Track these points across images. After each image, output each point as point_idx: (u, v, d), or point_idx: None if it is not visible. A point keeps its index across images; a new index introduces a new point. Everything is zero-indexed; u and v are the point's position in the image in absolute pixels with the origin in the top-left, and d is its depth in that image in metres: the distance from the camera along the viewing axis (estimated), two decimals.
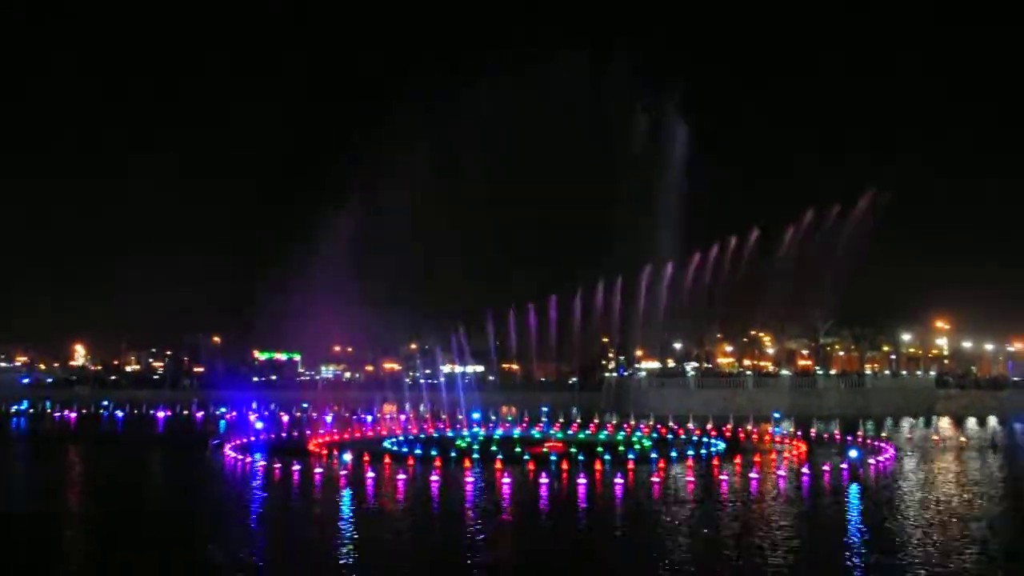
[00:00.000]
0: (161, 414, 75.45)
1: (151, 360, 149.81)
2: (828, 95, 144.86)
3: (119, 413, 76.67)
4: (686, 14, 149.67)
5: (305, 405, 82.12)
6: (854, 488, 31.18)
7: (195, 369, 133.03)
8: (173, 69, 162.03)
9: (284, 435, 51.71)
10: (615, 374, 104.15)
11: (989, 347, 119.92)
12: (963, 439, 51.97)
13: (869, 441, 46.74)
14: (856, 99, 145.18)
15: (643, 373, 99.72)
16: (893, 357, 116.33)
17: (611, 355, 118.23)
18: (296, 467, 34.66)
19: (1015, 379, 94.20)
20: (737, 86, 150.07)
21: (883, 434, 53.10)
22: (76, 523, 26.06)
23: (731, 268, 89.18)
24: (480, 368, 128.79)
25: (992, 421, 69.33)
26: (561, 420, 62.17)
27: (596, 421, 61.67)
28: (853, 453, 38.17)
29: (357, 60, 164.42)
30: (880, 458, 38.65)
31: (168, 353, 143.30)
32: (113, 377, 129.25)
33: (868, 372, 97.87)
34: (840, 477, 33.50)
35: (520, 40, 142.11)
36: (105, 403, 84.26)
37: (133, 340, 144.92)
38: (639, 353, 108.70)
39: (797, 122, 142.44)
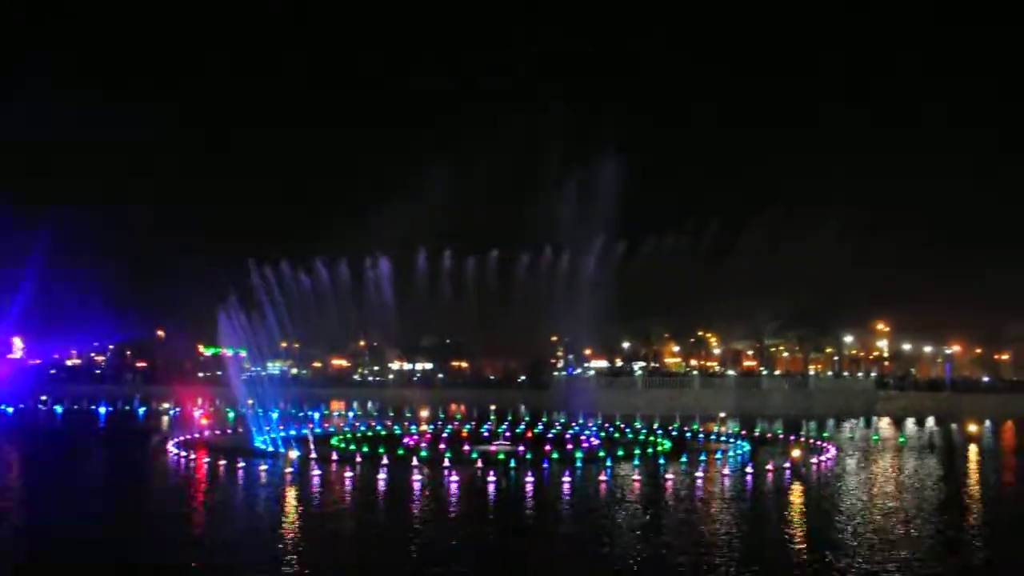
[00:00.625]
0: (103, 409, 73.89)
1: (92, 354, 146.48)
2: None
3: (58, 408, 74.88)
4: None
5: (250, 401, 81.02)
6: (796, 487, 31.79)
7: (138, 364, 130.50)
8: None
9: (229, 432, 50.99)
10: (564, 373, 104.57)
11: (928, 349, 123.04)
12: (901, 439, 53.22)
13: (812, 441, 47.63)
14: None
15: (591, 372, 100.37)
16: (836, 359, 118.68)
17: (560, 354, 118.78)
18: (240, 465, 34.23)
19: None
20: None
21: (825, 434, 54.09)
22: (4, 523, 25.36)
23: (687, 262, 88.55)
24: (429, 365, 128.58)
25: (930, 422, 71.08)
26: (509, 418, 62.25)
27: (544, 419, 61.89)
28: (796, 452, 38.88)
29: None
30: (822, 458, 39.40)
31: (110, 347, 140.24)
32: (53, 371, 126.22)
33: (811, 373, 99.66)
34: (783, 476, 34.09)
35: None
36: (44, 398, 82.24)
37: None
38: (588, 352, 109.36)
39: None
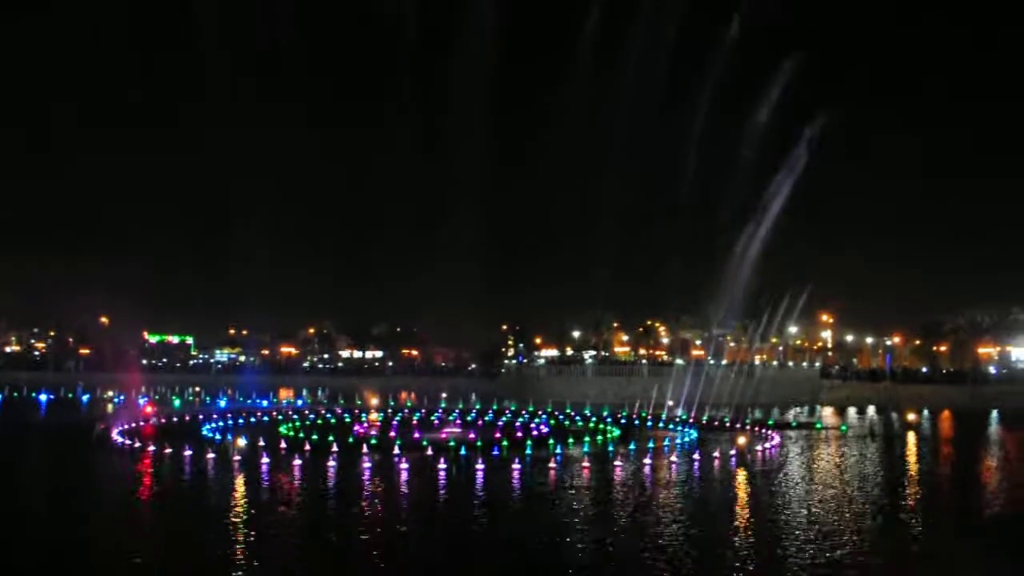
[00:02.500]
0: (44, 397, 72.36)
1: (33, 340, 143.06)
2: None
3: None
4: None
5: (197, 389, 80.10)
6: (741, 472, 32.44)
7: (81, 351, 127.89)
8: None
9: (175, 420, 50.34)
10: (515, 361, 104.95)
11: (869, 340, 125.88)
12: (843, 428, 54.43)
13: (757, 428, 48.49)
14: None
15: (542, 361, 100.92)
16: (781, 349, 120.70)
17: (510, 342, 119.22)
18: (187, 452, 33.85)
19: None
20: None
21: (770, 422, 55.06)
22: None
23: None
24: (379, 353, 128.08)
25: (871, 410, 72.75)
26: (460, 406, 62.37)
27: (495, 407, 62.11)
28: (741, 440, 39.59)
29: None
30: (766, 445, 40.18)
31: (52, 334, 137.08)
32: None
33: (757, 363, 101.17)
34: (728, 462, 34.74)
35: None
36: None
37: (13, 319, 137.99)
38: (538, 341, 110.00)
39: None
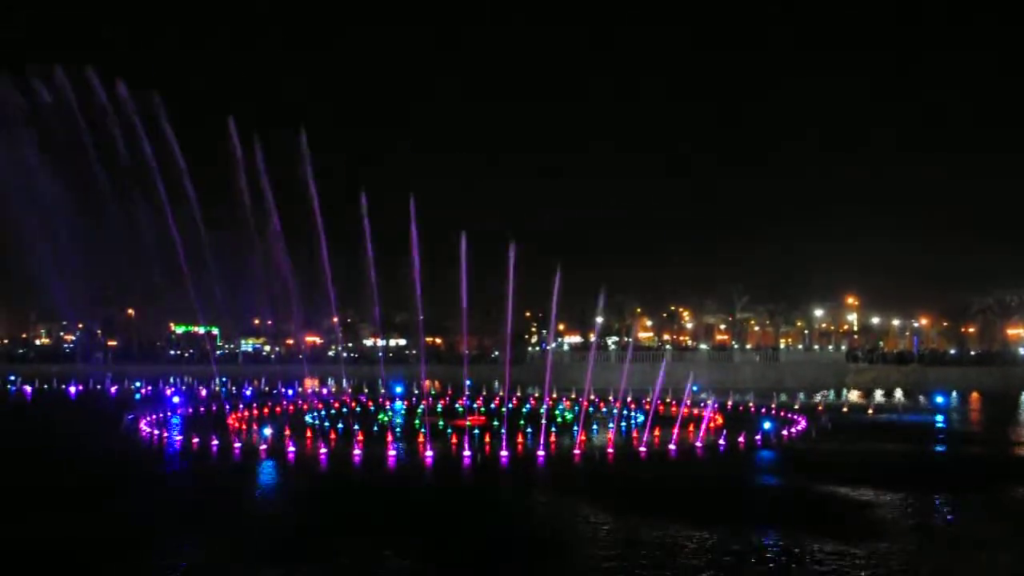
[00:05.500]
0: (73, 388, 73.27)
1: (62, 333, 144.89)
2: None
3: (27, 388, 74.13)
4: None
5: (224, 379, 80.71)
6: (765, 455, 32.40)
7: (109, 343, 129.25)
8: None
9: (202, 409, 50.77)
10: (538, 348, 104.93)
11: (896, 323, 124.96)
12: (870, 411, 54.07)
13: (782, 413, 48.22)
14: None
15: (565, 347, 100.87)
16: (806, 332, 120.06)
17: (533, 329, 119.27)
18: (215, 442, 34.13)
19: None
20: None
21: (796, 406, 54.78)
22: None
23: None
24: (402, 341, 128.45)
25: (898, 393, 72.21)
26: (484, 393, 62.44)
27: (519, 394, 62.15)
28: (767, 425, 39.37)
29: None
30: (793, 429, 39.94)
31: (80, 326, 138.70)
32: (21, 351, 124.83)
33: (782, 347, 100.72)
34: (754, 446, 34.62)
35: None
36: (12, 377, 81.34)
37: (43, 313, 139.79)
38: (561, 327, 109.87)
39: None
